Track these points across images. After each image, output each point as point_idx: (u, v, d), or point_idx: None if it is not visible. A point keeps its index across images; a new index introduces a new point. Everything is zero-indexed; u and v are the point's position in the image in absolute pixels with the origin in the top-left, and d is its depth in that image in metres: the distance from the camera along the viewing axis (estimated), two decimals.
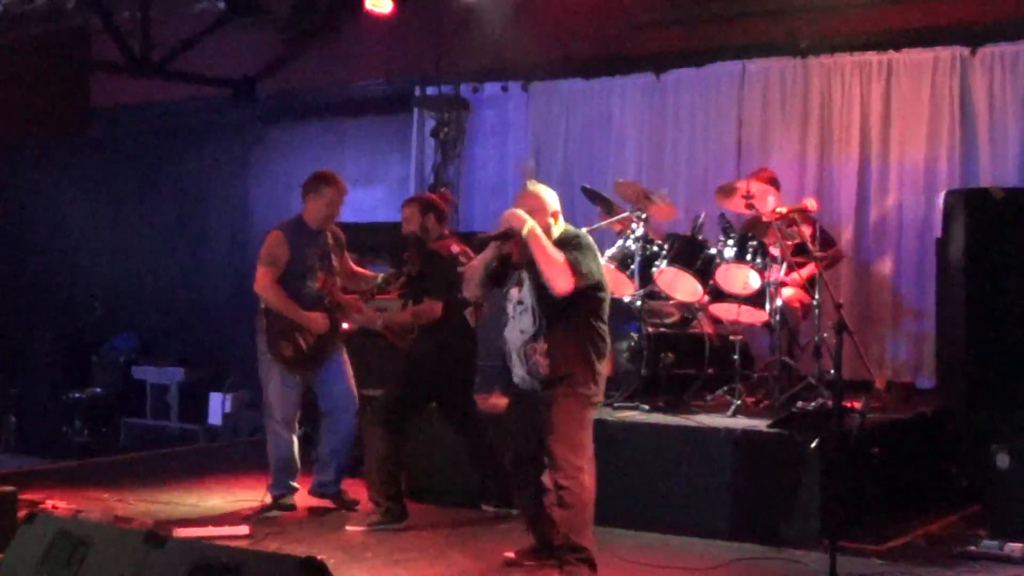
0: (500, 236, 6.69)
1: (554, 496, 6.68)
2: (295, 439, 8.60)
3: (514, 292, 6.79)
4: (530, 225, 6.56)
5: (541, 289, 6.60)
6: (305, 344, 8.40)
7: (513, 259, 6.81)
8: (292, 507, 8.55)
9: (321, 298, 8.44)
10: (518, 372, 6.81)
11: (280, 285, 8.35)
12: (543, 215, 6.70)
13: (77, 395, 12.52)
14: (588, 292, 6.66)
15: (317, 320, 8.39)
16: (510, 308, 6.82)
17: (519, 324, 6.73)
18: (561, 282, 6.51)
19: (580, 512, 6.64)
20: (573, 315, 6.65)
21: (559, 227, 6.79)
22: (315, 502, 8.64)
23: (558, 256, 6.53)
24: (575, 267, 6.54)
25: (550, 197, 6.82)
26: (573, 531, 6.64)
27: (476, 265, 6.87)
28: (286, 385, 8.48)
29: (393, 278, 8.58)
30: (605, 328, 6.82)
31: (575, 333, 6.67)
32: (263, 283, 8.35)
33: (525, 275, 6.73)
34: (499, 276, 6.89)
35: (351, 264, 8.83)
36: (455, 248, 8.28)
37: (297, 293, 8.37)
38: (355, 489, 8.70)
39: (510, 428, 7.10)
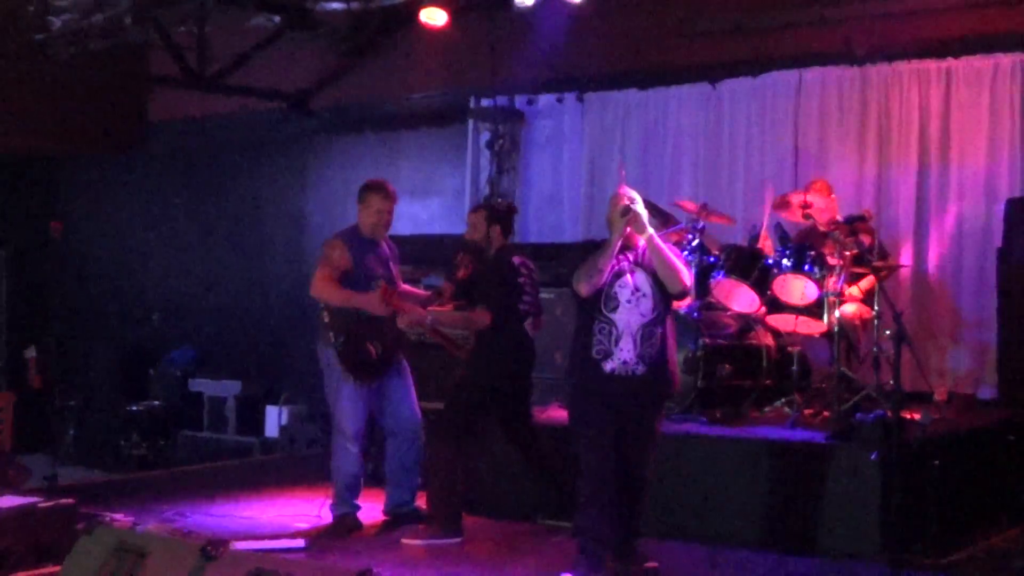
0: (628, 219, 6.86)
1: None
2: (361, 455, 8.50)
3: (628, 279, 6.91)
4: (650, 230, 6.88)
5: (660, 282, 6.90)
6: (374, 351, 8.26)
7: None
8: (359, 526, 8.41)
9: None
10: (623, 357, 6.86)
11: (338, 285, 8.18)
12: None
13: (135, 408, 12.59)
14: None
15: (374, 300, 8.09)
16: (624, 294, 6.89)
17: (639, 308, 6.88)
18: (682, 284, 6.89)
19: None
20: (667, 315, 7.01)
21: None
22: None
23: (678, 259, 6.91)
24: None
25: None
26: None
27: (608, 253, 6.87)
28: (355, 397, 8.31)
29: (447, 291, 8.52)
30: None
31: (668, 332, 7.00)
32: (317, 282, 8.16)
33: (637, 268, 6.95)
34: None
35: (401, 281, 8.74)
36: (516, 259, 8.26)
37: None
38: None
39: (592, 432, 6.97)
